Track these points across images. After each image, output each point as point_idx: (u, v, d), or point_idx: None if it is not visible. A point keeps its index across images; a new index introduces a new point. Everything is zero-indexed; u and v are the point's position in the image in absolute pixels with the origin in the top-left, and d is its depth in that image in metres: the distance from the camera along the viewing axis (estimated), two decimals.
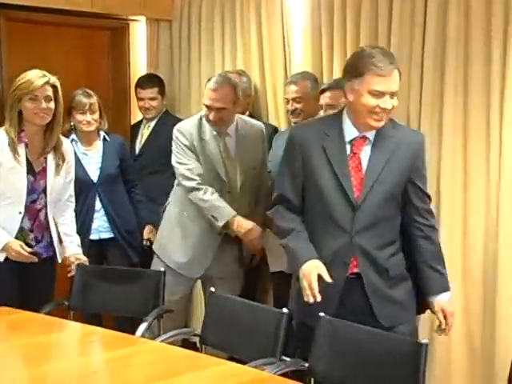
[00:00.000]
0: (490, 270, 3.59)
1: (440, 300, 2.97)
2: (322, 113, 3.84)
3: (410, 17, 3.78)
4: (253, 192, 4.00)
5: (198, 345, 3.23)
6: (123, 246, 4.37)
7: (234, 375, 2.53)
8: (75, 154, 3.92)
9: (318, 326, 2.93)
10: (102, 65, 5.06)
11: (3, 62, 4.52)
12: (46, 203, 3.58)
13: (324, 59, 4.19)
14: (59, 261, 3.70)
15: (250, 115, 4.41)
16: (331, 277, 2.82)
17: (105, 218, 4.33)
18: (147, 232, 4.46)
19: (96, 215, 4.31)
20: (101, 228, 4.34)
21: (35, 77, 3.45)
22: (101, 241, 4.35)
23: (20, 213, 3.48)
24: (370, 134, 2.90)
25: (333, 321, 2.95)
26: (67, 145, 3.73)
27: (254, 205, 4.02)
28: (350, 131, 2.92)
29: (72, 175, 3.75)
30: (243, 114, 4.24)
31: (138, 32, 5.16)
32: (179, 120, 4.24)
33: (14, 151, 3.43)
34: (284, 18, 4.40)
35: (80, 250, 3.77)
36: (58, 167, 3.58)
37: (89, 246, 4.16)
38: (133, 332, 3.25)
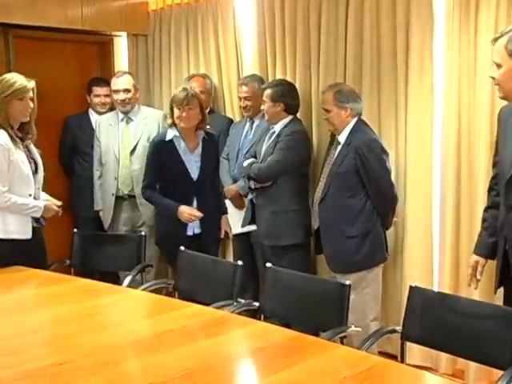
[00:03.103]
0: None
1: None
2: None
3: (335, 31, 3.80)
4: None
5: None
6: (208, 242, 3.76)
7: (199, 315, 2.54)
8: (177, 149, 3.61)
9: (265, 274, 2.96)
10: (92, 72, 4.95)
11: (12, 71, 4.40)
12: (38, 182, 3.34)
13: (268, 63, 4.18)
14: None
15: (211, 110, 4.41)
16: None
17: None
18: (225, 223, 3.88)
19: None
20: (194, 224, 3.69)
21: (24, 81, 3.26)
22: (194, 235, 3.72)
23: (30, 195, 3.28)
24: None
25: (276, 269, 2.99)
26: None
27: None
28: None
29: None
30: (206, 109, 4.19)
31: (121, 45, 5.08)
32: None
33: (16, 144, 3.24)
34: (236, 30, 4.37)
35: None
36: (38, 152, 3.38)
37: (186, 241, 3.53)
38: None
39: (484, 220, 2.75)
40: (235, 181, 4.08)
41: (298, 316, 2.81)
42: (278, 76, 4.05)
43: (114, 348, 2.19)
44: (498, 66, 2.39)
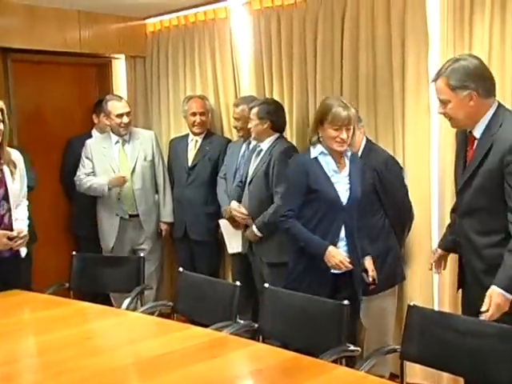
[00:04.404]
0: None
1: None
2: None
3: (331, 51, 3.84)
4: None
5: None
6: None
7: (198, 336, 2.54)
8: (324, 170, 3.04)
9: (263, 295, 2.96)
10: (91, 94, 5.01)
11: (11, 95, 4.47)
12: (9, 208, 3.15)
13: (265, 83, 4.21)
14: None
15: (209, 131, 4.47)
16: None
17: (346, 248, 3.09)
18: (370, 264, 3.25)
19: (339, 244, 3.08)
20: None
21: None
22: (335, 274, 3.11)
23: None
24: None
25: (275, 290, 2.98)
26: (15, 154, 3.24)
27: None
28: None
29: (24, 179, 3.28)
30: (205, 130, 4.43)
31: (119, 67, 5.12)
32: None
33: None
34: (233, 51, 4.41)
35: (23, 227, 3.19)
36: (12, 175, 3.19)
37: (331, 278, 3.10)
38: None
39: (450, 220, 2.93)
40: None
41: (296, 336, 2.80)
42: (275, 96, 4.09)
43: (112, 372, 2.19)
44: (446, 102, 2.56)
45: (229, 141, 4.42)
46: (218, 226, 4.20)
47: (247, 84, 4.36)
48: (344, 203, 3.04)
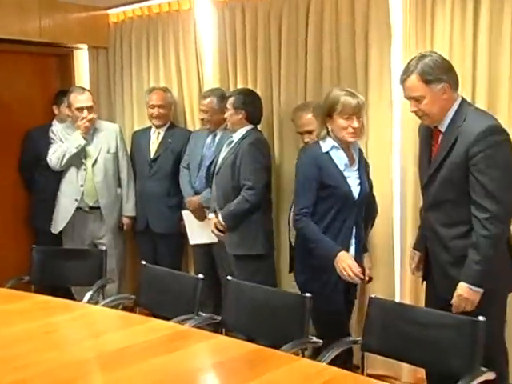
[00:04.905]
0: None
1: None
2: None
3: (295, 43, 3.84)
4: None
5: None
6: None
7: (160, 329, 2.53)
8: (336, 164, 2.94)
9: (226, 287, 2.96)
10: (52, 85, 4.91)
11: None
12: None
13: (229, 75, 4.20)
14: None
15: (172, 124, 4.46)
16: None
17: (354, 246, 2.99)
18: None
19: (351, 241, 2.98)
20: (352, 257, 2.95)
21: None
22: None
23: None
24: None
25: (238, 282, 2.99)
26: None
27: None
28: None
29: None
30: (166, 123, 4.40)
31: (82, 57, 5.04)
32: None
33: None
34: (197, 43, 4.38)
35: None
36: None
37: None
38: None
39: (420, 219, 2.95)
40: (196, 192, 4.09)
41: (260, 329, 2.81)
42: (239, 86, 4.08)
43: (72, 366, 2.16)
44: (420, 99, 2.58)
45: (191, 133, 4.38)
46: (180, 218, 4.20)
47: (211, 76, 4.34)
48: (356, 198, 2.95)
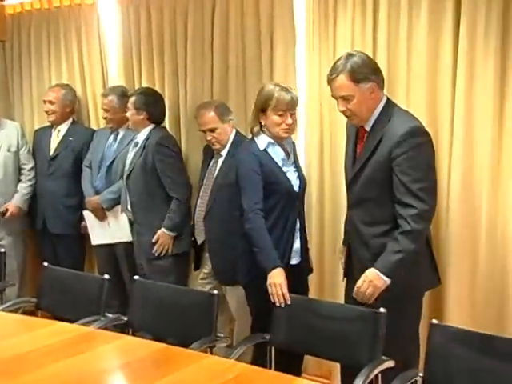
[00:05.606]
0: None
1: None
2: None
3: (201, 41, 3.83)
4: None
5: None
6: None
7: (63, 332, 2.47)
8: (274, 161, 2.92)
9: (133, 287, 2.93)
10: None
11: None
12: None
13: (135, 73, 4.14)
14: None
15: (74, 121, 4.35)
16: None
17: (299, 238, 2.99)
18: None
19: (296, 234, 2.98)
20: (298, 250, 2.99)
21: None
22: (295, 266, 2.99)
23: None
24: None
25: (145, 282, 2.96)
26: None
27: None
28: None
29: None
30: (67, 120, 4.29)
31: None
32: None
33: None
34: (101, 39, 4.28)
35: None
36: None
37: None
38: None
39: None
40: (97, 192, 4.00)
41: (168, 328, 2.80)
42: (145, 86, 4.03)
43: None
44: (348, 98, 2.60)
45: (94, 132, 4.29)
46: (81, 218, 4.12)
47: (116, 73, 4.26)
48: (297, 191, 2.96)
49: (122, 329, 2.82)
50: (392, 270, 2.55)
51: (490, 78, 2.91)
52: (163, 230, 3.65)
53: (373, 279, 2.56)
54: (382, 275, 2.55)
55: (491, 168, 2.96)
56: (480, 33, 2.91)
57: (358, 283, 2.61)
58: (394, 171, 2.55)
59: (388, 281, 2.56)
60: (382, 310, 2.41)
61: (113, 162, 3.95)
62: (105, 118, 4.08)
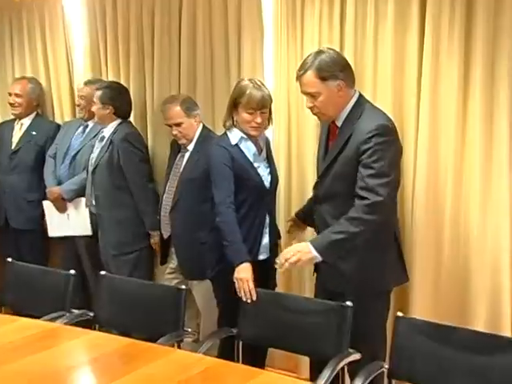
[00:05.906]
0: None
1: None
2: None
3: (168, 34, 3.82)
4: None
5: None
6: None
7: (27, 328, 2.45)
8: (246, 156, 2.92)
9: (99, 282, 2.91)
10: None
11: None
12: None
13: (101, 66, 4.10)
14: None
15: (38, 114, 4.30)
16: None
17: (268, 233, 3.02)
18: None
19: (265, 230, 3.00)
20: (266, 245, 3.01)
21: None
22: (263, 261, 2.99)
23: None
24: None
25: (112, 277, 2.95)
26: None
27: None
28: None
29: None
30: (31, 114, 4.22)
31: None
32: None
33: None
34: (66, 30, 4.23)
35: None
36: None
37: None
38: None
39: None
40: (59, 182, 3.97)
41: (135, 323, 2.79)
42: (111, 78, 4.00)
43: None
44: (316, 95, 2.61)
45: (58, 126, 4.25)
46: (43, 213, 4.06)
47: (82, 65, 4.21)
48: (268, 187, 2.96)
49: (89, 324, 2.79)
50: (326, 248, 2.53)
51: (454, 72, 2.94)
52: (150, 232, 3.68)
53: (301, 250, 2.54)
54: (313, 249, 2.53)
55: (454, 166, 3.00)
56: (444, 27, 2.94)
57: (285, 249, 2.61)
58: (359, 166, 2.57)
59: (318, 257, 2.54)
60: (348, 303, 2.44)
61: (78, 153, 3.92)
62: (78, 106, 4.01)
